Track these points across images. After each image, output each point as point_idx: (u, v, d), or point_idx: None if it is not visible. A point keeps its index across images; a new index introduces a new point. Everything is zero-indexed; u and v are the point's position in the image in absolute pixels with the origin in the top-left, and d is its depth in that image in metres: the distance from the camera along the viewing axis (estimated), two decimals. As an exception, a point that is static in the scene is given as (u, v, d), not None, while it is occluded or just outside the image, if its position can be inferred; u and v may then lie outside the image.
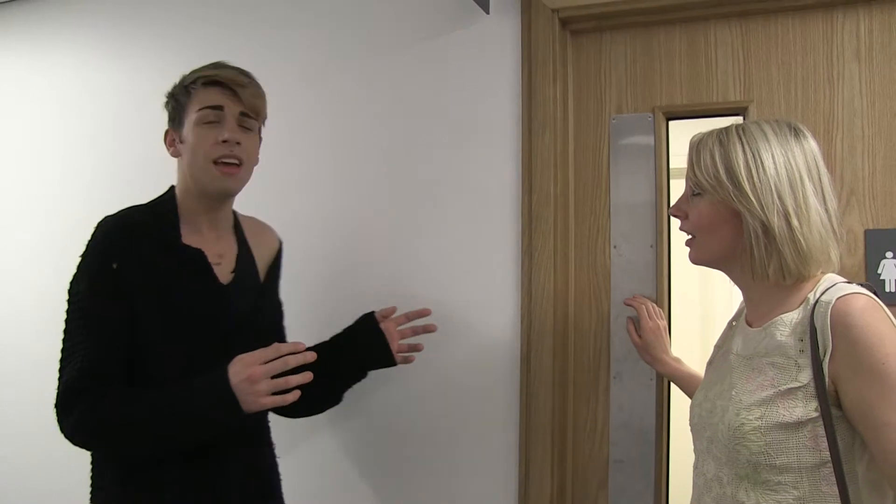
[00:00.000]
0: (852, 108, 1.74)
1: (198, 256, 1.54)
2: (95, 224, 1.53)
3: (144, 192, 1.65)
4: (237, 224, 1.71)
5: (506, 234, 1.94)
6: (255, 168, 1.64)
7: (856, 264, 1.72)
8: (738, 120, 1.80)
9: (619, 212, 1.93)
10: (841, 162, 1.74)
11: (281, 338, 1.74)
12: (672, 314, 1.89)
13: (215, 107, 1.54)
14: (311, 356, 1.45)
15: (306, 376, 1.42)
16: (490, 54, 1.99)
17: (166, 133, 1.61)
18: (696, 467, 1.36)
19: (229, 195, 1.61)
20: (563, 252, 1.93)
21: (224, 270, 1.60)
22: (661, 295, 1.88)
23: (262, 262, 1.71)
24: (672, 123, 1.92)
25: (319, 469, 2.03)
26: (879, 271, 1.70)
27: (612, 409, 1.91)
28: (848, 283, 1.20)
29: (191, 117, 1.54)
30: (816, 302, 1.18)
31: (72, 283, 1.50)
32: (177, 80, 1.61)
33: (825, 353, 1.13)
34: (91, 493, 1.53)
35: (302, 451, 2.05)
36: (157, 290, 1.47)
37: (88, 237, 1.52)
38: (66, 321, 1.49)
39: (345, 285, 2.06)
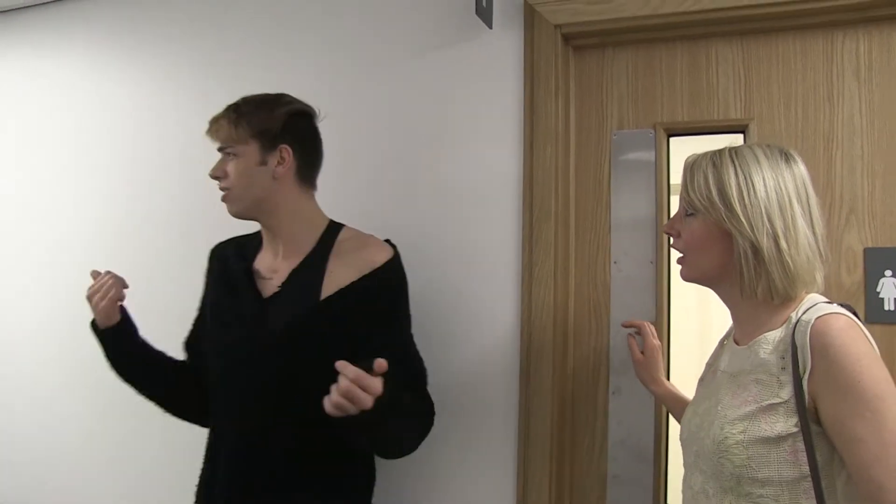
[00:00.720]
0: (852, 127, 1.75)
1: (246, 271, 1.67)
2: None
3: (158, 195, 1.70)
4: (324, 241, 1.68)
5: (506, 249, 1.95)
6: None
7: (855, 282, 1.73)
8: (737, 139, 1.82)
9: (620, 227, 1.93)
10: (840, 180, 1.75)
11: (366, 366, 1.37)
12: (671, 330, 1.90)
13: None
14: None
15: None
16: (492, 69, 2.00)
17: None
18: (684, 481, 1.40)
19: (234, 216, 1.68)
20: (563, 267, 1.94)
21: (273, 285, 1.64)
22: (661, 310, 1.88)
23: (342, 279, 1.61)
24: (673, 140, 1.93)
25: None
26: (878, 289, 1.71)
27: (611, 425, 1.91)
28: (829, 303, 1.24)
29: None
30: (798, 321, 1.22)
31: None
32: None
33: (805, 371, 1.18)
34: None
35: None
36: (212, 303, 1.73)
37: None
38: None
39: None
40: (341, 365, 1.30)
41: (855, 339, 1.17)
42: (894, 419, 1.12)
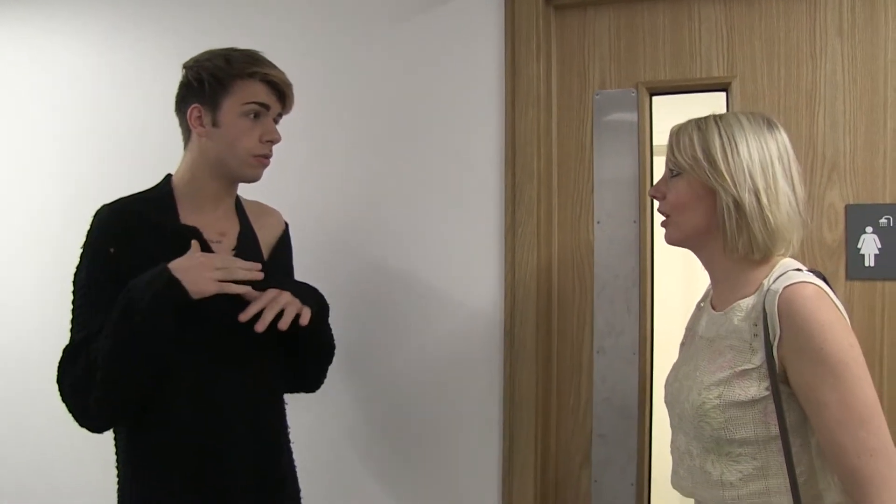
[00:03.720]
0: (834, 84, 1.75)
1: (193, 234, 1.54)
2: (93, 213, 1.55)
3: (150, 178, 1.65)
4: (239, 205, 1.70)
5: (489, 211, 1.95)
6: None
7: (836, 239, 1.73)
8: (720, 97, 1.83)
9: (603, 188, 1.93)
10: (822, 137, 1.75)
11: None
12: (655, 290, 1.90)
13: (263, 104, 1.57)
14: (259, 275, 1.50)
15: (255, 275, 1.49)
16: (473, 30, 1.98)
17: (192, 108, 1.56)
18: (671, 441, 1.45)
19: (254, 181, 1.64)
20: (546, 228, 1.94)
21: (224, 248, 1.59)
22: (644, 271, 1.89)
23: (265, 242, 1.71)
24: (656, 99, 1.92)
25: (302, 446, 2.04)
26: (859, 246, 1.72)
27: (595, 384, 1.92)
28: (799, 269, 1.28)
29: (233, 106, 1.55)
30: (768, 290, 1.27)
31: (75, 272, 1.53)
32: (211, 55, 1.58)
33: (775, 338, 1.23)
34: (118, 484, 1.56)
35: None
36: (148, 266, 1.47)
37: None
38: (72, 310, 1.51)
39: (326, 262, 2.05)
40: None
41: (821, 307, 1.21)
42: (857, 385, 1.17)
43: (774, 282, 1.27)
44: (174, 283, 1.40)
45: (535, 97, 1.91)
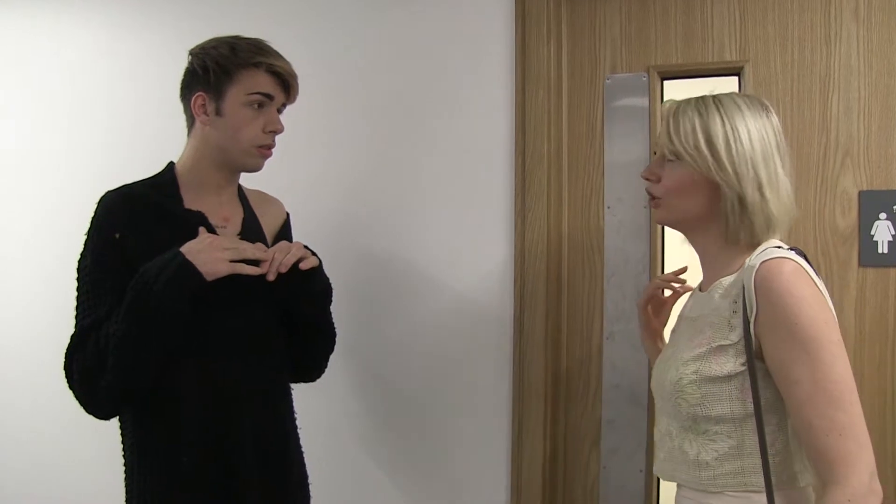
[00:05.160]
0: (849, 69, 1.73)
1: (199, 218, 1.54)
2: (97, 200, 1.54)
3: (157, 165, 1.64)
4: (241, 193, 1.70)
5: (499, 194, 1.93)
6: None
7: (849, 225, 1.72)
8: (732, 81, 1.81)
9: (613, 172, 1.92)
10: (836, 123, 1.74)
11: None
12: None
13: (267, 94, 1.56)
14: (266, 255, 1.50)
15: (263, 255, 1.50)
16: (483, 12, 1.96)
17: (197, 96, 1.55)
18: (655, 426, 1.44)
19: (256, 171, 1.63)
20: (556, 212, 1.92)
21: (229, 233, 1.59)
22: (654, 256, 1.88)
23: (268, 229, 1.71)
24: (667, 83, 1.91)
25: (309, 432, 2.04)
26: (872, 233, 1.71)
27: (605, 370, 1.92)
28: (779, 247, 1.27)
29: (237, 95, 1.54)
30: (747, 266, 1.26)
31: (79, 259, 1.52)
32: (217, 43, 1.56)
33: (752, 314, 1.22)
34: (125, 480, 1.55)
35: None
36: (159, 254, 1.45)
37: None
38: (76, 297, 1.50)
39: (337, 245, 2.04)
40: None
41: (796, 282, 1.19)
42: (830, 362, 1.15)
43: (754, 258, 1.26)
44: (188, 266, 1.40)
45: (546, 80, 1.89)
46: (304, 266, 1.51)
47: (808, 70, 1.76)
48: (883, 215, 1.70)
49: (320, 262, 1.59)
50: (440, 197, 1.99)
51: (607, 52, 1.94)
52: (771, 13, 1.79)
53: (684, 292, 1.62)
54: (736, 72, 1.82)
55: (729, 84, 1.83)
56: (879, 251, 1.70)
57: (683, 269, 1.65)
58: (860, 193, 1.71)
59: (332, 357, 1.74)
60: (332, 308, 1.67)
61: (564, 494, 1.95)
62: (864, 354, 1.72)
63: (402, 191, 2.02)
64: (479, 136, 1.96)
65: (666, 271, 1.88)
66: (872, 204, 1.70)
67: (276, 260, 1.49)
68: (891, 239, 1.70)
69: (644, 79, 1.90)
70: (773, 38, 1.79)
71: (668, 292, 1.66)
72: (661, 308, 1.67)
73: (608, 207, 1.92)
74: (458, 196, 1.97)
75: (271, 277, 1.48)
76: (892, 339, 1.70)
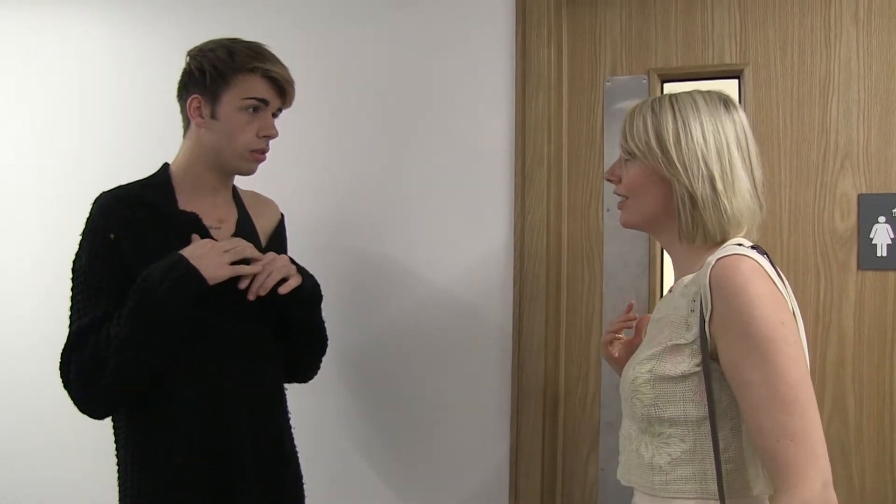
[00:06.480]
0: (849, 72, 1.73)
1: (193, 219, 1.55)
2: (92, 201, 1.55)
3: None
4: (236, 194, 1.70)
5: (499, 196, 1.94)
6: None
7: (848, 228, 1.72)
8: (732, 84, 1.80)
9: (613, 175, 1.92)
10: (836, 126, 1.74)
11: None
12: (664, 279, 1.89)
13: (262, 100, 1.57)
14: (261, 255, 1.54)
15: (259, 254, 1.53)
16: (484, 15, 1.96)
17: (192, 98, 1.56)
18: (620, 431, 1.39)
19: (248, 175, 1.64)
20: (556, 215, 1.93)
21: (223, 234, 1.59)
22: (654, 258, 1.88)
23: (263, 230, 1.71)
24: (667, 86, 1.91)
25: (304, 432, 2.04)
26: (871, 236, 1.70)
27: (604, 372, 1.92)
28: (739, 244, 1.22)
29: (233, 100, 1.55)
30: (706, 264, 1.21)
31: (74, 259, 1.53)
32: (215, 45, 1.56)
33: (707, 312, 1.17)
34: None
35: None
36: (153, 255, 1.47)
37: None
38: (71, 297, 1.51)
39: (335, 247, 2.05)
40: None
41: (752, 279, 1.14)
42: (784, 364, 1.10)
43: (713, 257, 1.21)
44: (192, 271, 1.41)
45: (546, 82, 1.89)
46: (282, 290, 1.53)
47: (807, 73, 1.77)
48: (882, 219, 1.70)
49: (306, 275, 1.61)
50: (440, 199, 1.99)
51: (607, 55, 1.94)
52: (771, 16, 1.79)
53: (645, 322, 1.52)
54: (736, 74, 1.83)
55: (729, 87, 1.83)
56: (878, 254, 1.70)
57: (630, 307, 1.59)
58: (859, 197, 1.71)
59: (327, 358, 1.74)
60: (330, 310, 1.68)
61: (563, 496, 1.95)
62: (863, 357, 1.71)
63: (402, 193, 2.02)
64: (480, 138, 1.96)
65: (665, 273, 1.89)
66: (872, 207, 1.70)
67: (258, 281, 1.51)
68: (890, 242, 1.69)
69: (644, 81, 1.90)
70: (773, 42, 1.79)
71: (627, 332, 1.59)
72: (629, 345, 1.57)
73: (608, 210, 1.92)
74: (458, 198, 1.97)
75: (251, 297, 1.50)
76: (891, 342, 1.69)
